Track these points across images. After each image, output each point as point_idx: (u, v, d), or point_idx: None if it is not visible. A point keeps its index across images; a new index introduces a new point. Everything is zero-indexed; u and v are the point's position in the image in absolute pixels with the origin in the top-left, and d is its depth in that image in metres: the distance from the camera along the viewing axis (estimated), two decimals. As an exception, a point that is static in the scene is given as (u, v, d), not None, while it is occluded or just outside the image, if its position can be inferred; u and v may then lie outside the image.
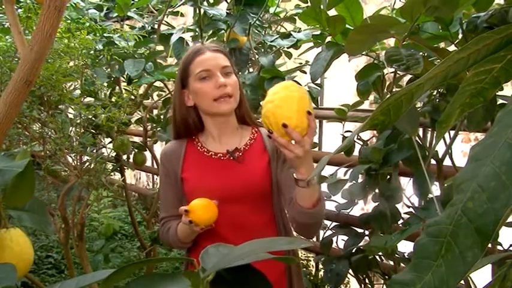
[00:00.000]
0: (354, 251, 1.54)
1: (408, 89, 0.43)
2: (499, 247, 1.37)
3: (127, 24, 3.06)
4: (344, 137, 1.84)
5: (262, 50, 2.08)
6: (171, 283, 0.38)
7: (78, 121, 1.94)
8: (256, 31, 2.02)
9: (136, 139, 3.13)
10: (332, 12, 1.40)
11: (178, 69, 1.41)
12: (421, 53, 1.12)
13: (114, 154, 2.60)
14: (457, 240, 0.25)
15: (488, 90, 0.48)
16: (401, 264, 1.56)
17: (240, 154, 1.36)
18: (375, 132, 1.79)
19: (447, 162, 1.46)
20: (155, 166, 3.30)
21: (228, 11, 2.01)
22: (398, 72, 1.37)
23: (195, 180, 1.34)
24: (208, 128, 1.39)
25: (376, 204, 1.54)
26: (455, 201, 0.28)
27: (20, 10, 1.76)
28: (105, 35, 1.98)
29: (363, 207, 2.13)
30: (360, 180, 1.53)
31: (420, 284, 0.26)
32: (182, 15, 2.48)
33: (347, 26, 1.40)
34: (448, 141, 1.42)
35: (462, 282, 1.19)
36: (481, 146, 0.29)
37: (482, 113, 1.08)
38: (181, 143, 1.42)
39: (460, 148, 2.29)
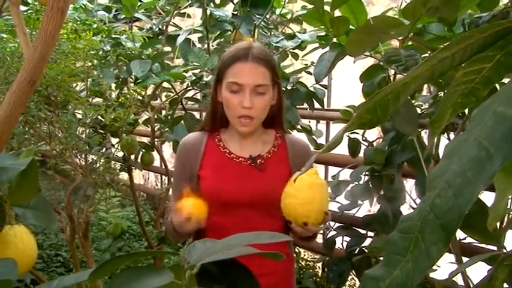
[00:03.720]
0: (356, 252, 1.54)
1: (394, 87, 0.43)
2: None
3: (136, 26, 3.08)
4: (350, 138, 1.84)
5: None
6: (156, 276, 0.39)
7: (88, 121, 1.96)
8: (263, 32, 2.02)
9: (145, 140, 3.15)
10: (337, 13, 1.40)
11: (220, 57, 1.38)
12: (423, 54, 1.12)
13: (121, 154, 2.63)
14: (424, 236, 0.25)
15: (479, 90, 0.48)
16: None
17: (262, 162, 1.34)
18: (381, 133, 1.78)
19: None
20: (163, 166, 3.32)
21: (234, 12, 2.02)
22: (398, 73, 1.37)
23: (214, 181, 1.31)
24: (232, 128, 1.35)
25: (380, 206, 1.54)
26: (425, 198, 0.28)
27: (29, 11, 1.79)
28: (112, 36, 2.00)
29: (369, 209, 2.13)
30: (364, 181, 1.53)
31: (389, 279, 0.26)
32: (189, 16, 2.50)
33: (351, 27, 1.40)
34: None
35: (461, 282, 1.19)
36: (454, 143, 0.29)
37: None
38: (202, 138, 1.38)
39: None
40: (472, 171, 0.25)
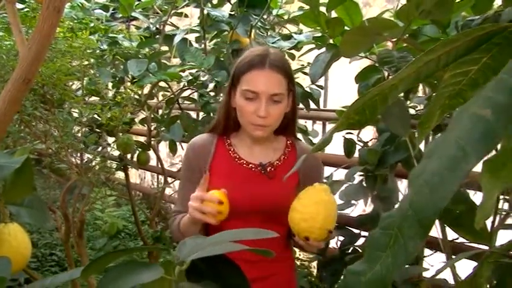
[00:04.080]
0: (350, 251, 1.55)
1: (381, 89, 0.44)
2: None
3: (133, 25, 3.08)
4: (345, 139, 1.85)
5: (265, 51, 2.10)
6: (146, 271, 0.40)
7: (84, 120, 1.96)
8: (259, 32, 2.03)
9: (141, 139, 3.16)
10: (333, 14, 1.41)
11: (236, 61, 1.33)
12: (416, 56, 1.13)
13: (118, 153, 2.63)
14: (403, 231, 0.26)
15: (467, 91, 0.49)
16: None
17: (272, 169, 1.33)
18: (376, 134, 1.79)
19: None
20: (159, 165, 3.33)
21: (231, 13, 2.03)
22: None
23: (222, 186, 1.25)
24: (244, 132, 1.34)
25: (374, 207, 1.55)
26: (405, 197, 0.29)
27: (25, 9, 1.79)
28: (109, 35, 2.01)
29: (364, 209, 2.14)
30: (358, 181, 1.54)
31: (370, 273, 0.27)
32: (187, 16, 2.50)
33: (346, 28, 1.41)
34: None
35: (452, 280, 1.20)
36: (434, 144, 0.30)
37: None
38: (211, 140, 1.36)
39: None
40: (448, 170, 0.26)
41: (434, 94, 1.51)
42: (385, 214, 0.30)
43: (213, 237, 0.46)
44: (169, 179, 3.20)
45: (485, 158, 0.46)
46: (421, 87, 1.75)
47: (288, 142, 1.39)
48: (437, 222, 1.44)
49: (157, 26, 2.32)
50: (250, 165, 1.32)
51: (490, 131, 0.26)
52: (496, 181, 0.42)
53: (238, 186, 1.29)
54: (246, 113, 1.24)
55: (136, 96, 2.45)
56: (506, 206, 1.35)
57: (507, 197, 1.36)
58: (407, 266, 1.65)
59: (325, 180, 1.60)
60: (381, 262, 0.27)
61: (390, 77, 1.42)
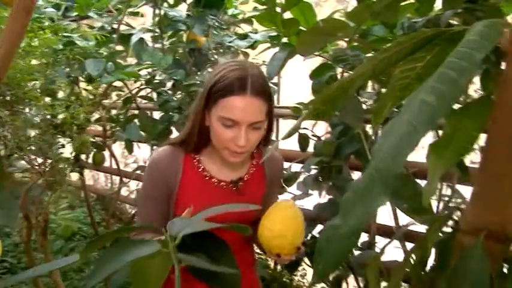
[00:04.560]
0: (309, 238, 1.64)
1: (342, 83, 0.52)
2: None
3: (85, 24, 3.05)
4: (300, 134, 1.93)
5: (221, 50, 2.16)
6: (145, 246, 0.45)
7: (39, 120, 1.94)
8: (215, 32, 2.08)
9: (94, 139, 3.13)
10: (288, 15, 1.49)
11: (209, 79, 1.20)
12: (367, 54, 1.22)
13: (73, 154, 2.60)
14: (371, 190, 0.33)
15: (414, 85, 0.57)
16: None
17: (242, 184, 1.29)
18: (329, 129, 1.89)
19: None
20: (114, 166, 3.31)
21: (187, 13, 2.07)
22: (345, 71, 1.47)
23: (194, 206, 1.15)
24: (215, 151, 1.24)
25: (331, 197, 1.64)
26: (371, 165, 0.36)
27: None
28: (64, 34, 2.00)
29: (318, 202, 2.24)
30: (314, 173, 1.62)
31: (345, 227, 0.34)
32: (142, 15, 2.52)
33: (301, 28, 1.49)
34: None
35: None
36: (389, 125, 0.37)
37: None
38: (177, 157, 1.26)
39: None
40: (403, 142, 0.33)
41: (382, 90, 1.61)
42: (355, 180, 0.37)
43: (197, 216, 0.52)
44: (125, 180, 3.20)
45: (430, 142, 0.54)
46: (370, 83, 1.86)
47: (254, 151, 1.33)
48: (390, 211, 1.55)
49: (112, 25, 2.32)
50: (222, 183, 1.27)
51: (433, 113, 0.34)
52: (439, 161, 0.50)
53: (211, 206, 1.17)
54: (224, 140, 1.16)
55: (91, 96, 2.44)
56: (449, 191, 1.48)
57: (450, 184, 1.49)
58: (361, 252, 1.76)
59: (289, 197, 1.66)
60: (354, 217, 0.34)
61: (345, 73, 1.52)
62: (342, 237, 0.33)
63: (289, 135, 0.52)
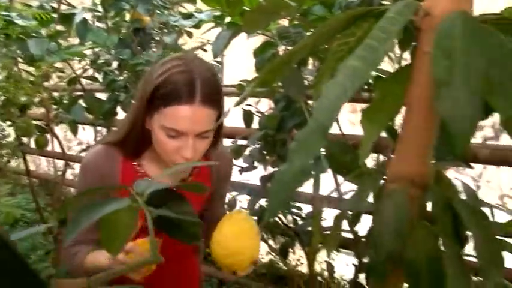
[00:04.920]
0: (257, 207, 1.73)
1: (286, 55, 0.59)
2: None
3: (20, 2, 2.94)
4: (244, 110, 2.01)
5: (166, 30, 2.17)
6: (117, 202, 0.51)
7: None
8: (159, 12, 2.10)
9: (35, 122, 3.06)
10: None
11: (150, 80, 1.05)
12: (307, 32, 1.30)
13: (12, 138, 2.54)
14: (309, 138, 0.41)
15: (347, 56, 0.65)
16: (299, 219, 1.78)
17: None
18: (272, 105, 1.97)
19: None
20: (56, 149, 3.25)
21: (131, -9, 2.07)
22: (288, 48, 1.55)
23: None
24: (155, 153, 1.12)
25: (276, 169, 1.73)
26: (310, 120, 0.44)
27: None
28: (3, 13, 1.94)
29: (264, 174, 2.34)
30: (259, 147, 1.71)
31: (294, 167, 0.41)
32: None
33: (245, 7, 1.55)
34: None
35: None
36: (325, 87, 0.45)
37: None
38: (113, 160, 1.14)
39: (347, 118, 2.59)
40: (336, 99, 0.41)
41: (322, 65, 1.71)
42: (298, 132, 0.44)
43: (157, 177, 0.58)
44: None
45: (363, 107, 0.63)
46: (311, 61, 1.95)
47: None
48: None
49: (52, 5, 2.27)
50: None
51: (360, 75, 0.42)
52: (373, 124, 0.59)
53: None
54: (168, 151, 1.05)
55: (31, 78, 2.38)
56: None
57: (386, 156, 1.61)
58: (305, 222, 1.88)
59: (244, 209, 1.68)
60: (298, 161, 0.41)
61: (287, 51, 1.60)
62: (288, 179, 0.41)
63: (238, 104, 0.58)
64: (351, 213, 0.99)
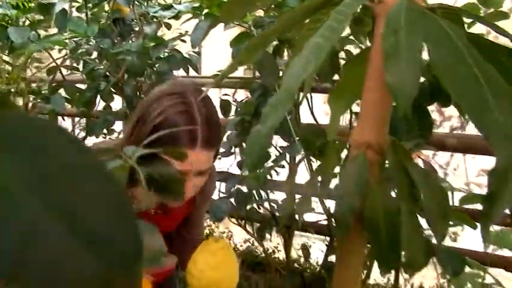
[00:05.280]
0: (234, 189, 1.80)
1: (258, 37, 0.67)
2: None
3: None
4: (222, 100, 2.08)
5: (145, 21, 2.22)
6: (110, 163, 0.57)
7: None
8: (139, 2, 2.14)
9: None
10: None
11: (148, 113, 1.00)
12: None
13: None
14: (279, 102, 0.49)
15: (316, 42, 0.73)
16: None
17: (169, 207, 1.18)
18: (249, 95, 2.04)
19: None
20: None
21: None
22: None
23: None
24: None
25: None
26: (281, 86, 0.51)
27: None
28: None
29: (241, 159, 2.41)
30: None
31: (265, 128, 0.49)
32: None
33: (222, -1, 1.62)
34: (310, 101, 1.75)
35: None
36: (292, 62, 0.53)
37: (329, 68, 1.38)
38: None
39: (322, 108, 2.68)
40: (301, 70, 0.49)
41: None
42: (271, 97, 0.52)
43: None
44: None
45: (330, 88, 0.71)
46: (286, 52, 2.04)
47: None
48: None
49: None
50: (149, 210, 1.16)
51: (321, 50, 0.50)
52: (339, 102, 0.67)
53: None
54: None
55: (8, 67, 2.40)
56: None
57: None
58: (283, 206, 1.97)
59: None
60: (270, 121, 0.48)
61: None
62: (262, 137, 0.48)
63: (222, 77, 0.66)
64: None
